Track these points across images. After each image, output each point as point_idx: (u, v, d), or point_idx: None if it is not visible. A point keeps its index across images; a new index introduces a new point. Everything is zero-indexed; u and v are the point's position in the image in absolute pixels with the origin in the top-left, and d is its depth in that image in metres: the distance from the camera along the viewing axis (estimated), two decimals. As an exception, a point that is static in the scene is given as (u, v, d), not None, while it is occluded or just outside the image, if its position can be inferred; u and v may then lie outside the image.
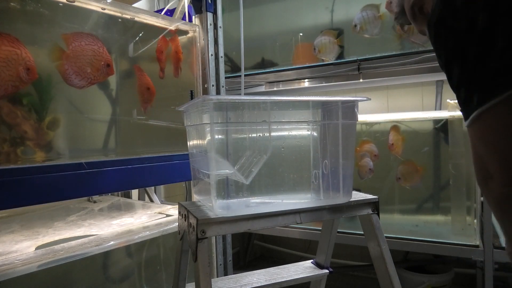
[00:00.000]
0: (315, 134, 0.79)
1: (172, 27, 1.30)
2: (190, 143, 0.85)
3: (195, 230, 0.67)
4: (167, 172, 1.21)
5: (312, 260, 1.02)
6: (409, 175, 1.81)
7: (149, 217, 1.34)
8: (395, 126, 1.86)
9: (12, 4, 0.90)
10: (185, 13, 1.51)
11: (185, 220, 0.76)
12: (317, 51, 2.01)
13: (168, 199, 2.23)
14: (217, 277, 1.45)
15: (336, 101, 0.76)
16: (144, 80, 1.20)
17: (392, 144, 1.83)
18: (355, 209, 0.79)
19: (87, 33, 1.03)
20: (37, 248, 1.01)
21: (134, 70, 1.20)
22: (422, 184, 1.82)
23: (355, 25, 1.85)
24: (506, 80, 0.52)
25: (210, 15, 1.46)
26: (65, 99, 1.01)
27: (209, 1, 1.45)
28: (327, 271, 0.98)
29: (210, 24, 1.46)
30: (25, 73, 0.88)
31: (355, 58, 1.93)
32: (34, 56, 0.95)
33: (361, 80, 2.05)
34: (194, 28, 1.41)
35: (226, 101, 0.69)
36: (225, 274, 1.50)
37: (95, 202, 1.61)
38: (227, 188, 0.73)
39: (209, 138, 0.66)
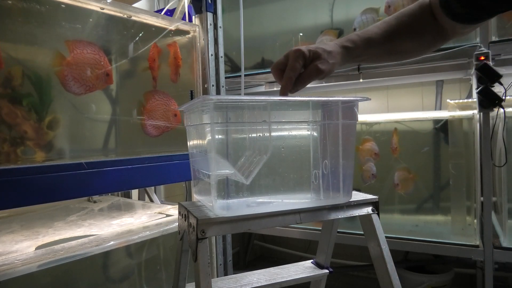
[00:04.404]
0: (315, 134, 0.79)
1: (172, 27, 1.30)
2: (190, 143, 0.85)
3: (195, 230, 0.67)
4: (167, 172, 1.21)
5: (312, 260, 1.02)
6: (405, 182, 1.84)
7: (149, 217, 1.34)
8: (398, 130, 1.87)
9: (9, 2, 0.90)
10: (185, 13, 1.50)
11: (185, 220, 0.76)
12: (318, 51, 2.02)
13: (168, 199, 2.24)
14: (217, 277, 1.45)
15: (336, 101, 0.76)
16: (172, 106, 1.25)
17: (396, 148, 1.84)
18: (355, 209, 0.79)
19: (89, 42, 1.04)
20: (37, 248, 1.01)
21: (154, 94, 1.23)
22: (414, 190, 1.84)
23: (355, 29, 1.86)
24: None
25: (210, 15, 1.46)
26: (65, 99, 1.01)
27: (209, 1, 1.45)
28: (327, 271, 0.98)
29: (210, 24, 1.46)
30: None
31: (355, 58, 1.93)
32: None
33: (361, 80, 2.05)
34: (194, 28, 1.41)
35: (226, 101, 0.69)
36: (225, 274, 1.50)
37: (95, 202, 1.61)
38: (227, 188, 0.73)
39: (209, 138, 0.66)
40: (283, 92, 0.72)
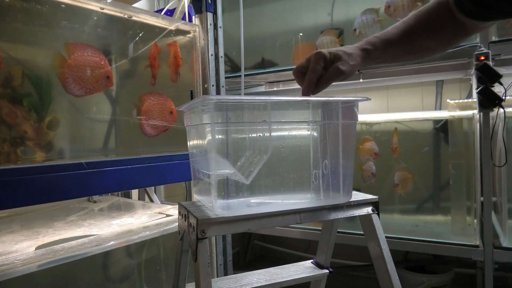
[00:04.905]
0: (315, 134, 0.79)
1: (172, 27, 1.30)
2: (190, 143, 0.85)
3: (195, 230, 0.67)
4: (167, 172, 1.21)
5: (312, 260, 1.02)
6: (405, 182, 1.84)
7: (149, 217, 1.34)
8: (398, 130, 1.88)
9: (8, 1, 0.90)
10: (185, 13, 1.50)
11: (185, 220, 0.76)
12: (318, 51, 2.02)
13: (168, 199, 2.24)
14: (217, 277, 1.45)
15: (336, 101, 0.76)
16: (168, 104, 1.25)
17: (396, 147, 1.85)
18: (355, 209, 0.79)
19: (89, 44, 1.05)
20: (37, 248, 1.01)
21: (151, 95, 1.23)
22: (414, 190, 1.84)
23: (355, 29, 1.86)
24: None
25: (210, 15, 1.46)
26: (65, 99, 1.01)
27: (209, 1, 1.45)
28: (327, 271, 0.98)
29: (210, 24, 1.46)
30: None
31: (355, 58, 1.93)
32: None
33: (361, 80, 2.05)
34: (194, 28, 1.41)
35: (226, 101, 0.69)
36: (225, 274, 1.50)
37: (95, 202, 1.61)
38: (227, 188, 0.73)
39: (209, 138, 0.66)
40: (305, 94, 0.74)
